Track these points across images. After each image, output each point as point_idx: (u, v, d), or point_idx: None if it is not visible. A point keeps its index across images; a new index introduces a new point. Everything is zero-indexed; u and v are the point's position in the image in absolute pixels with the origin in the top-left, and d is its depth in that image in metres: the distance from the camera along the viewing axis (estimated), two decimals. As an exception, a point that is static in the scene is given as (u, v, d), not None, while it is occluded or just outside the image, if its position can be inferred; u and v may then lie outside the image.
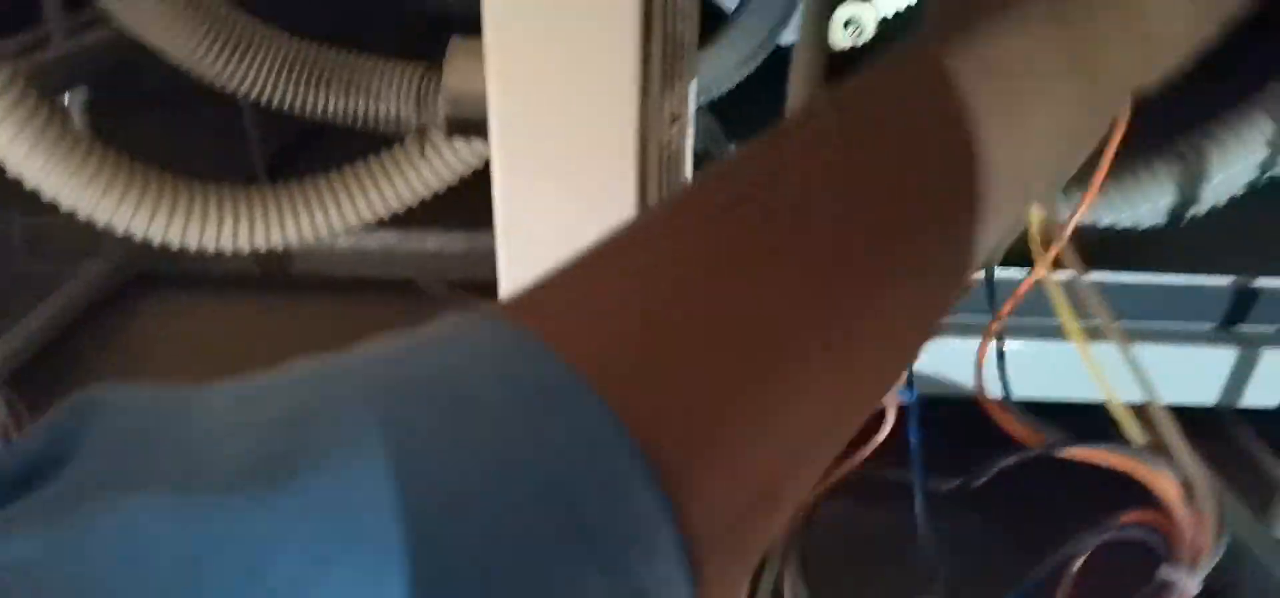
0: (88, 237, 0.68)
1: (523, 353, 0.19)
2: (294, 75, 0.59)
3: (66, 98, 0.78)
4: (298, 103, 0.61)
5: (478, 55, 0.52)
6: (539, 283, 0.23)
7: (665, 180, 0.55)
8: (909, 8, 0.89)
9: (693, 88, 0.53)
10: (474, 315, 0.21)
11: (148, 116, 0.94)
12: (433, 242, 1.11)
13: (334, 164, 0.66)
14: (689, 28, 0.51)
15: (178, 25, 0.55)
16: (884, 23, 0.88)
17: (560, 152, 0.54)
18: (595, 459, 0.18)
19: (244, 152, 1.07)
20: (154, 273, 1.05)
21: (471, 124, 0.59)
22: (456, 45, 0.59)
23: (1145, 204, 0.62)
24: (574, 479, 0.18)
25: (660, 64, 0.51)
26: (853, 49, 0.89)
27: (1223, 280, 0.60)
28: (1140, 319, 0.58)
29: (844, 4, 0.87)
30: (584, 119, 0.52)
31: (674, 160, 0.55)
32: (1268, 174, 0.59)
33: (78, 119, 0.80)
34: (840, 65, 0.89)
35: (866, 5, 0.87)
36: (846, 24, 0.87)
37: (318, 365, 0.19)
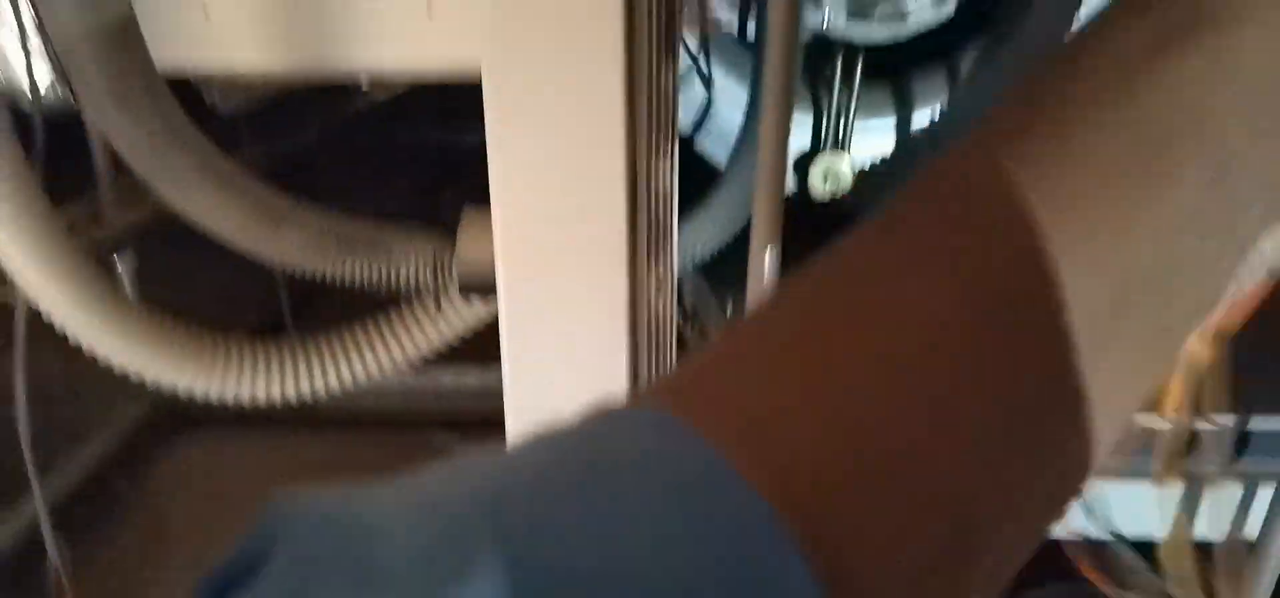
0: (125, 381, 0.74)
1: (706, 474, 0.19)
2: (324, 247, 0.66)
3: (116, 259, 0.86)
4: (328, 270, 0.68)
5: (486, 226, 0.59)
6: (705, 367, 0.23)
7: (654, 338, 0.61)
8: (885, 158, 0.97)
9: (675, 257, 0.59)
10: (645, 417, 0.20)
11: (186, 257, 1.02)
12: (448, 378, 1.17)
13: (352, 300, 0.72)
14: (669, 208, 0.58)
15: (221, 208, 0.62)
16: (861, 173, 0.95)
17: (559, 311, 0.60)
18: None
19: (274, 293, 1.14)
20: (187, 413, 1.11)
21: (482, 286, 0.66)
22: (468, 215, 0.66)
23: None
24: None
25: (646, 237, 0.58)
26: (831, 199, 0.96)
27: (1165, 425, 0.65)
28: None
29: (821, 156, 0.95)
30: (579, 284, 0.59)
31: (662, 320, 0.61)
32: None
33: (127, 278, 0.87)
34: (819, 215, 0.96)
35: (843, 156, 0.94)
36: (825, 176, 0.95)
37: (480, 468, 0.19)
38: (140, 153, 0.58)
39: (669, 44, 0.54)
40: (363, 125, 1.31)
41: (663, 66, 0.55)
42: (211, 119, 0.98)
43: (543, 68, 0.54)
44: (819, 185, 0.97)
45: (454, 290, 0.67)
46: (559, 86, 0.55)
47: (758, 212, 0.51)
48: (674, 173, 0.58)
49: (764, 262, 0.49)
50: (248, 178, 0.64)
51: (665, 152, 0.57)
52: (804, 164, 0.98)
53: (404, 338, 0.74)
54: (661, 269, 0.60)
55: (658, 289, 0.61)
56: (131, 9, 0.58)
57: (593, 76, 0.54)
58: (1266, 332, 0.55)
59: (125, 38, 0.56)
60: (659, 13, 0.53)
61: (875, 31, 0.85)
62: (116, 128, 0.56)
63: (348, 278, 0.68)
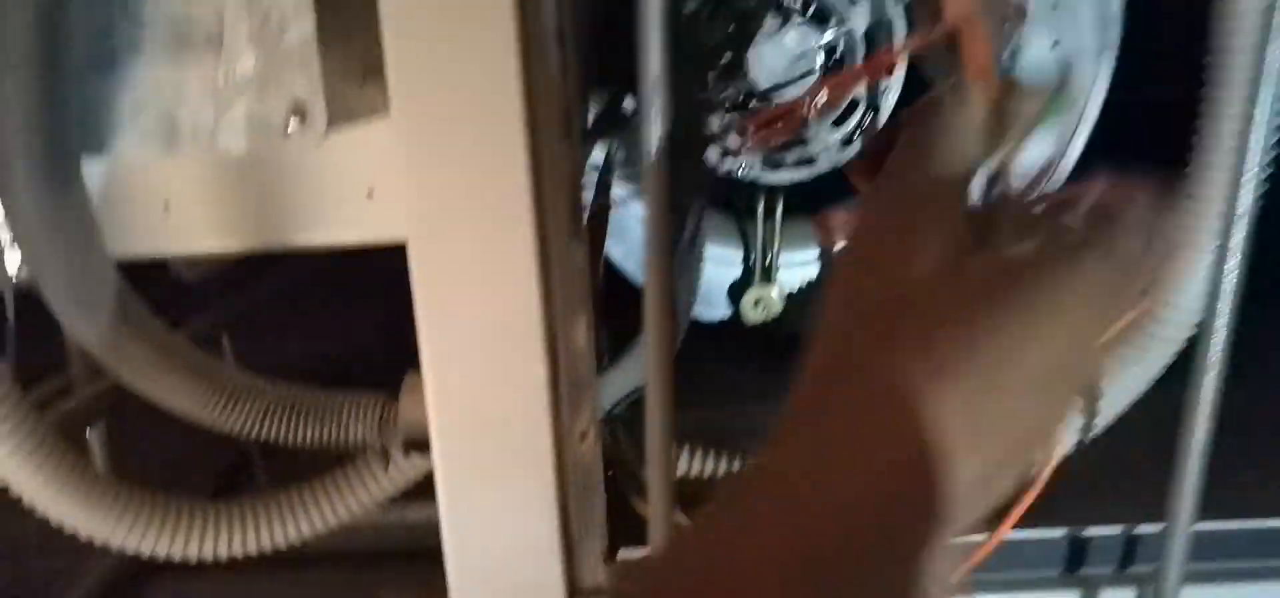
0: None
1: None
2: (277, 416, 0.72)
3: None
4: (282, 436, 0.73)
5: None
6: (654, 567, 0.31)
7: (580, 484, 0.66)
8: (810, 282, 1.03)
9: (597, 409, 0.65)
10: None
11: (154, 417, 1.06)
12: (415, 512, 1.21)
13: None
14: (586, 365, 0.63)
15: (176, 390, 0.68)
16: (790, 297, 1.02)
17: (491, 466, 0.66)
18: None
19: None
20: (157, 561, 1.14)
21: (424, 443, 0.71)
22: (410, 378, 0.71)
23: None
24: None
25: (567, 393, 0.63)
26: (764, 323, 1.02)
27: (1058, 532, 0.70)
28: (990, 572, 0.68)
29: (753, 287, 1.01)
30: (507, 439, 0.64)
31: (587, 468, 0.66)
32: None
33: (97, 447, 0.92)
34: (753, 338, 1.02)
35: (772, 287, 1.01)
36: (756, 303, 1.01)
37: None
38: (97, 342, 0.63)
39: (575, 224, 0.61)
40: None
41: (571, 244, 0.61)
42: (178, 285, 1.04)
43: (463, 245, 0.61)
44: (750, 313, 1.03)
45: (398, 448, 0.72)
46: (479, 261, 0.61)
47: (650, 369, 0.57)
48: (589, 333, 0.64)
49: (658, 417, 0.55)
50: (202, 356, 0.70)
51: (579, 315, 0.63)
52: (737, 293, 1.04)
53: (358, 490, 0.79)
54: (584, 421, 0.66)
55: (582, 439, 0.66)
56: (89, 205, 0.64)
57: (508, 254, 0.60)
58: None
59: (83, 233, 0.61)
60: (566, 199, 0.60)
61: (788, 175, 0.92)
62: (73, 318, 0.61)
63: (301, 442, 0.73)
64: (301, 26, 0.53)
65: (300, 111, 0.55)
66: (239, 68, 0.54)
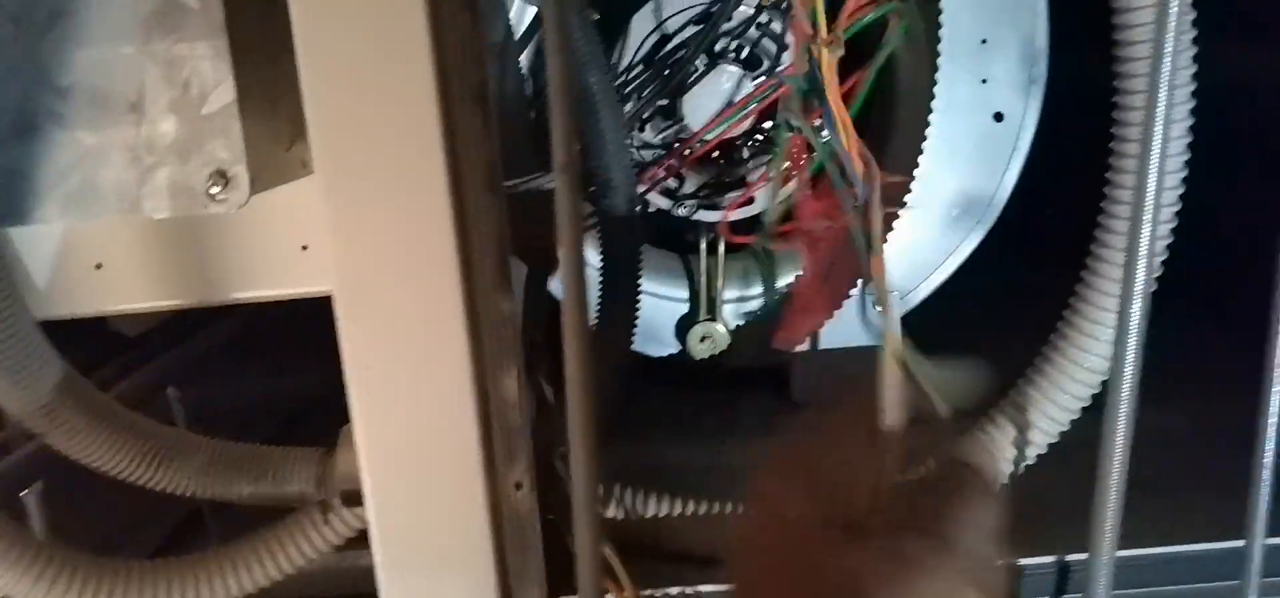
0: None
1: None
2: (214, 472, 0.72)
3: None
4: (220, 493, 0.73)
5: (364, 440, 0.65)
6: None
7: (517, 534, 0.66)
8: (756, 315, 1.04)
9: (530, 459, 0.65)
10: None
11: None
12: (367, 558, 1.20)
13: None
14: (520, 415, 0.64)
15: (110, 449, 0.67)
16: (735, 332, 1.03)
17: (427, 518, 0.66)
18: None
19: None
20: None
21: (361, 496, 0.71)
22: (345, 432, 0.71)
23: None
24: None
25: (500, 445, 0.64)
26: (711, 358, 1.03)
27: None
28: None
29: (698, 323, 1.02)
30: (441, 491, 0.65)
31: (523, 518, 0.66)
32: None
33: (34, 508, 0.91)
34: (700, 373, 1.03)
35: (717, 323, 1.02)
36: (702, 339, 1.03)
37: None
38: (28, 413, 0.63)
39: (503, 276, 0.61)
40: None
41: (499, 294, 0.62)
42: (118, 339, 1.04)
43: (390, 298, 0.61)
44: (697, 348, 1.04)
45: (337, 502, 0.72)
46: (406, 315, 0.61)
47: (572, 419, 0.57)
48: (520, 384, 0.65)
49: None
50: (134, 416, 0.70)
51: (509, 367, 0.64)
52: (683, 329, 1.05)
53: (302, 542, 0.78)
54: (518, 471, 0.66)
55: (516, 488, 0.67)
56: (9, 274, 0.63)
57: (435, 307, 0.61)
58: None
59: (4, 302, 0.61)
60: (493, 252, 0.61)
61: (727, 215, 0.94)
62: (2, 394, 0.61)
63: (238, 499, 0.73)
64: (222, 95, 0.54)
65: (223, 177, 0.55)
66: (160, 135, 0.54)
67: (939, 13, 0.86)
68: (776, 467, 0.41)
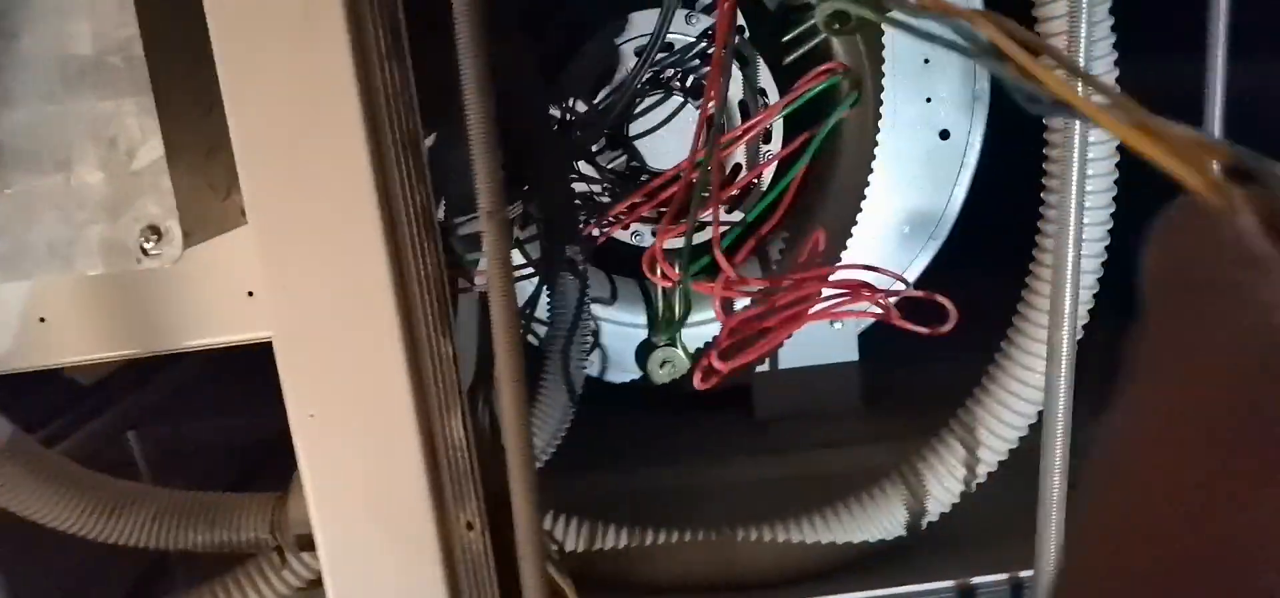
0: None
1: None
2: (166, 522, 0.71)
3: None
4: (173, 543, 0.72)
5: (314, 486, 0.65)
6: None
7: (470, 572, 0.66)
8: (711, 341, 1.04)
9: (480, 498, 0.65)
10: None
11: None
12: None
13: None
14: (467, 457, 0.64)
15: (55, 505, 0.67)
16: (694, 355, 1.03)
17: (376, 559, 0.66)
18: None
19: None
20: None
21: (313, 542, 0.71)
22: (297, 479, 0.71)
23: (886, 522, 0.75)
24: None
25: (449, 485, 0.64)
26: (672, 382, 1.04)
27: (948, 584, 0.72)
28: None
29: (659, 350, 1.03)
30: (392, 534, 0.65)
31: (475, 558, 0.66)
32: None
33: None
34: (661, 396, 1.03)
35: (677, 350, 1.02)
36: (662, 364, 1.03)
37: None
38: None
39: (444, 322, 0.62)
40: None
41: (441, 338, 0.62)
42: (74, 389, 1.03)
43: (329, 344, 0.61)
44: (658, 373, 1.05)
45: (292, 547, 0.72)
46: (346, 361, 0.61)
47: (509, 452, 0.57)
48: (467, 426, 0.65)
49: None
50: (80, 469, 0.69)
51: (454, 409, 0.64)
52: (643, 355, 1.06)
53: (262, 587, 0.78)
54: (469, 512, 0.66)
55: (468, 529, 0.67)
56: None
57: (375, 352, 0.61)
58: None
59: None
60: (432, 295, 0.61)
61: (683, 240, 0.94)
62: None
63: (193, 547, 0.73)
64: (150, 150, 0.54)
65: (155, 232, 0.55)
66: (89, 192, 0.54)
67: (881, 34, 0.87)
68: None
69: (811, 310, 0.88)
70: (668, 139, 0.93)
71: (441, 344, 0.62)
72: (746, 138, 0.89)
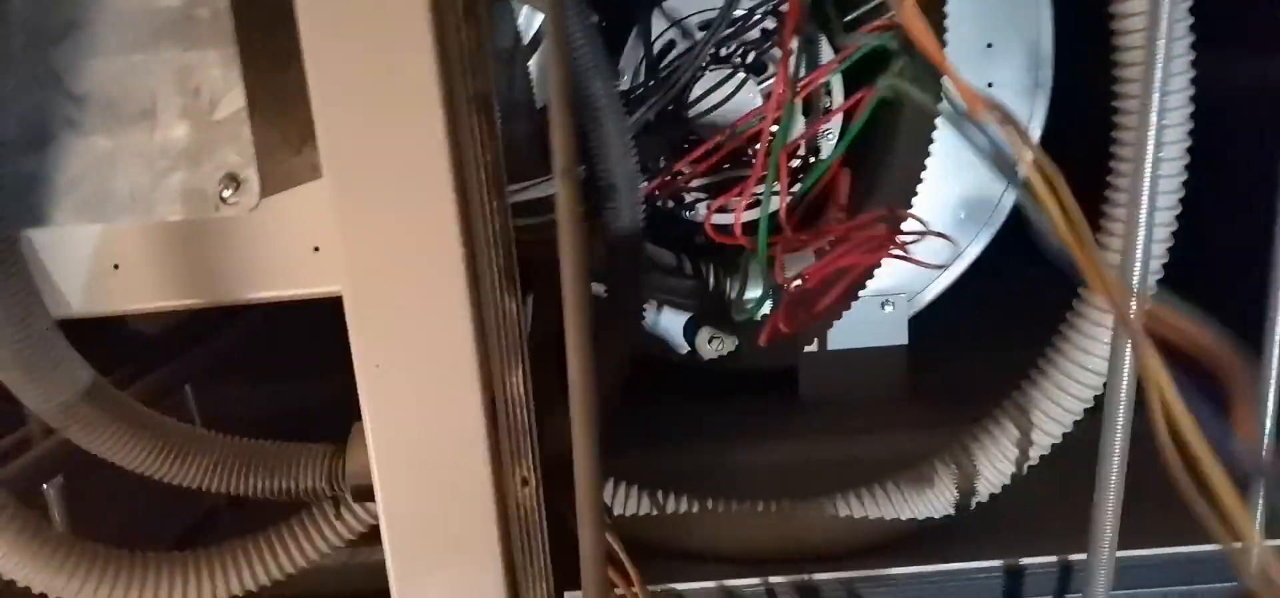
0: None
1: None
2: (228, 467, 0.73)
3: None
4: (234, 487, 0.74)
5: (374, 438, 0.66)
6: None
7: (523, 529, 0.68)
8: (763, 318, 1.05)
9: (536, 455, 0.67)
10: None
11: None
12: (379, 553, 1.22)
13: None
14: (526, 413, 0.65)
15: (128, 445, 0.69)
16: (744, 333, 1.04)
17: (435, 513, 0.67)
18: None
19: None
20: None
21: (372, 492, 0.72)
22: (357, 429, 0.73)
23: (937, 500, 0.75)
24: None
25: (508, 442, 0.65)
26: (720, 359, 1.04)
27: (996, 563, 0.72)
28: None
29: (705, 326, 1.03)
30: (449, 487, 0.66)
31: (529, 514, 0.67)
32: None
33: (55, 501, 0.93)
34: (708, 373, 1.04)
35: (726, 324, 1.03)
36: (711, 340, 1.03)
37: None
38: (48, 410, 0.65)
39: (509, 277, 0.63)
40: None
41: (505, 296, 0.63)
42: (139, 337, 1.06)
43: (397, 299, 0.62)
44: (706, 350, 1.05)
45: (348, 497, 0.74)
46: (413, 315, 0.63)
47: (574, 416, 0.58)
48: (527, 382, 0.66)
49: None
50: (151, 412, 0.71)
51: (516, 365, 0.65)
52: (692, 331, 1.06)
53: (315, 537, 0.80)
54: (525, 468, 0.67)
55: (523, 485, 0.68)
56: (28, 277, 0.65)
57: (441, 308, 0.62)
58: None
59: (22, 305, 0.63)
60: (499, 253, 0.62)
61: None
62: (18, 385, 0.63)
63: (252, 493, 0.75)
64: (232, 101, 0.55)
65: (234, 180, 0.56)
66: (172, 140, 0.56)
67: (944, 17, 0.87)
68: None
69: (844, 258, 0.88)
70: (727, 115, 0.93)
71: (505, 300, 0.63)
72: (811, 87, 0.89)
